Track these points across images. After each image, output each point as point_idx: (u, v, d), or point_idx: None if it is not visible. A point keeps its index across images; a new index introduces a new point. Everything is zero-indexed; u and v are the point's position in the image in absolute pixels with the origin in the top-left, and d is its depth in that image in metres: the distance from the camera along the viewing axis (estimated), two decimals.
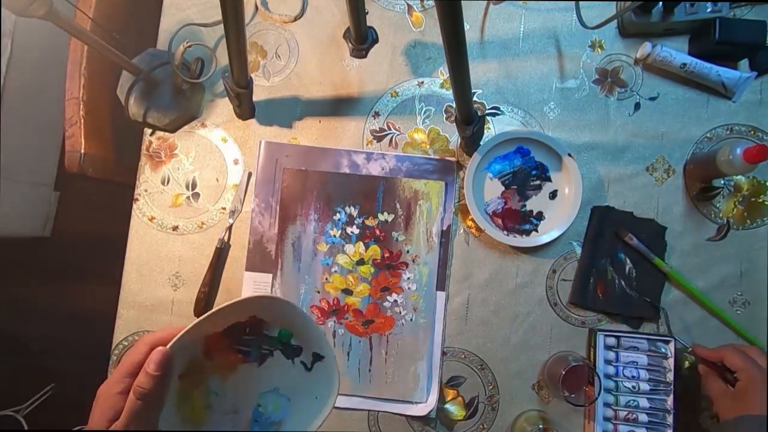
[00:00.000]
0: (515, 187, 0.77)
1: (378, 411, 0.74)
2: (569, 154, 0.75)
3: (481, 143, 0.76)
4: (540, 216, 0.77)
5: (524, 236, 0.76)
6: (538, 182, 0.77)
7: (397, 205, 0.76)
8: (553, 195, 0.77)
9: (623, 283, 0.75)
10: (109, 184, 0.92)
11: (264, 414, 0.56)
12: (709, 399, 0.67)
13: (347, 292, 0.76)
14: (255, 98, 0.78)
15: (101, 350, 0.78)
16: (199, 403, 0.54)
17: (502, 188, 0.77)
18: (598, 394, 0.69)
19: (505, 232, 0.76)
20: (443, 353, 0.74)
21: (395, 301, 0.76)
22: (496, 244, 0.76)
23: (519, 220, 0.76)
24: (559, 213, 0.76)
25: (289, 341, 0.56)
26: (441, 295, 0.76)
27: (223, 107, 0.80)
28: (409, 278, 0.76)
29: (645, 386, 0.72)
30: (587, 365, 0.69)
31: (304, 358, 0.57)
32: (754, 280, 0.75)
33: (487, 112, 0.79)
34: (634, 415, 0.71)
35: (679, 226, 0.76)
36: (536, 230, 0.76)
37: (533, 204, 0.77)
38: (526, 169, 0.77)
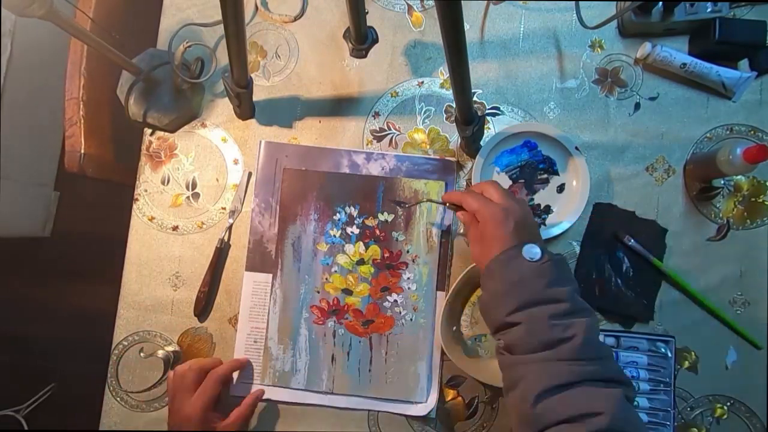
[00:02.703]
0: (523, 180, 0.77)
1: (378, 411, 0.74)
2: (576, 148, 0.75)
3: (486, 140, 0.75)
4: (548, 210, 0.77)
5: None
6: (545, 176, 0.77)
7: (397, 205, 0.76)
8: (561, 188, 0.77)
9: (620, 281, 0.75)
10: (109, 184, 0.92)
11: None
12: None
13: (347, 292, 0.76)
14: (255, 98, 0.78)
15: (101, 350, 0.78)
16: None
17: (510, 182, 0.77)
18: None
19: None
20: (443, 353, 0.74)
21: (395, 301, 0.76)
22: None
23: None
24: (567, 206, 0.76)
25: None
26: (441, 295, 0.76)
27: (223, 107, 0.80)
28: (409, 278, 0.76)
29: (645, 386, 0.72)
30: None
31: None
32: (754, 280, 0.75)
33: (487, 112, 0.79)
34: None
35: (679, 226, 0.76)
36: (544, 224, 0.76)
37: (541, 198, 0.77)
38: (534, 163, 0.77)
